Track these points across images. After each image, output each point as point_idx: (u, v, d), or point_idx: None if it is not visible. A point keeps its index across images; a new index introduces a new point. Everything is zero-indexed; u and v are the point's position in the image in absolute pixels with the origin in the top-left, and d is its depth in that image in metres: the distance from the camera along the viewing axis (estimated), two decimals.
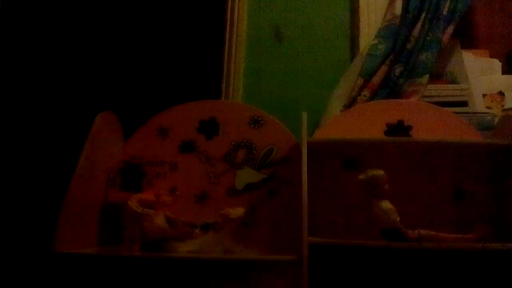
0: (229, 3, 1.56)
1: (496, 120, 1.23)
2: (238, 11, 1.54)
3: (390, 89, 1.31)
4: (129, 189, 1.13)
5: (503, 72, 1.48)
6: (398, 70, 1.31)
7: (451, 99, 1.32)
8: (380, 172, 1.00)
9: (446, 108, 1.23)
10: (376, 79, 1.30)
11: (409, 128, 1.20)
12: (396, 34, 1.33)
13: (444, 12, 1.33)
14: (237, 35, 1.52)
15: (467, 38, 1.52)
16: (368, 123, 1.20)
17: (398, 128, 1.20)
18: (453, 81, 1.39)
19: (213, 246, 0.99)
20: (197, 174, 1.21)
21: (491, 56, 1.50)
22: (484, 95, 1.40)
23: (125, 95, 1.65)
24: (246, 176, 1.20)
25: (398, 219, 0.97)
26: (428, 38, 1.31)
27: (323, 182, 1.15)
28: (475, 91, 1.37)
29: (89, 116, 1.10)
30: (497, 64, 1.49)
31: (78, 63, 1.75)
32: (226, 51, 1.51)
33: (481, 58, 1.48)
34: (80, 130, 1.09)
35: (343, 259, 1.09)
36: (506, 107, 1.39)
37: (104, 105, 1.16)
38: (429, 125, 1.18)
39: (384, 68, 1.31)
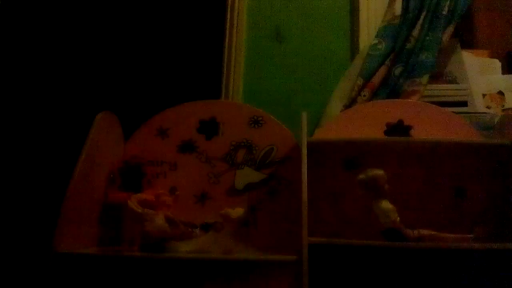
0: (229, 3, 1.56)
1: (496, 120, 1.23)
2: (238, 11, 1.54)
3: (390, 89, 1.31)
4: (129, 189, 1.13)
5: (503, 72, 1.48)
6: (398, 70, 1.31)
7: (451, 99, 1.32)
8: (380, 172, 1.00)
9: (446, 108, 1.23)
10: (376, 79, 1.30)
11: (409, 128, 1.20)
12: (396, 34, 1.33)
13: (444, 12, 1.33)
14: (237, 35, 1.52)
15: (467, 38, 1.51)
16: (368, 123, 1.20)
17: (398, 128, 1.20)
18: (453, 81, 1.39)
19: (213, 246, 0.99)
20: (197, 174, 1.21)
21: (491, 56, 1.50)
22: (484, 95, 1.40)
23: (125, 95, 1.65)
24: (246, 176, 1.20)
25: (398, 219, 0.97)
26: (428, 38, 1.31)
27: (323, 182, 1.16)
28: (475, 91, 1.37)
29: (89, 116, 1.10)
30: (497, 64, 1.49)
31: (78, 63, 1.75)
32: (226, 51, 1.51)
33: (481, 58, 1.48)
34: (80, 130, 1.09)
35: (343, 259, 1.09)
36: (506, 107, 1.39)
37: (104, 105, 1.16)
38: (429, 125, 1.18)
39: (384, 68, 1.31)
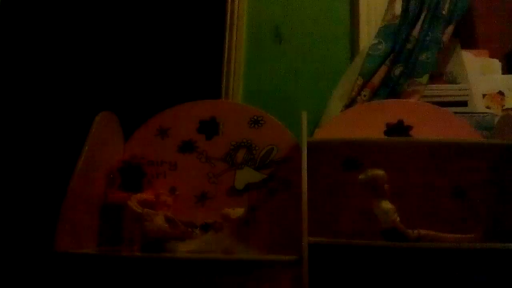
0: (229, 3, 1.56)
1: (496, 120, 1.23)
2: (238, 11, 1.55)
3: (390, 89, 1.31)
4: (129, 189, 1.13)
5: (503, 72, 1.47)
6: (398, 70, 1.31)
7: (451, 99, 1.32)
8: (380, 172, 1.00)
9: (446, 108, 1.23)
10: (376, 79, 1.30)
11: (409, 128, 1.20)
12: (396, 34, 1.33)
13: (444, 12, 1.33)
14: (237, 35, 1.52)
15: (467, 38, 1.51)
16: (368, 123, 1.20)
17: (398, 128, 1.20)
18: (453, 81, 1.39)
19: (213, 246, 0.99)
20: (197, 174, 1.21)
21: (491, 56, 1.50)
22: (484, 95, 1.40)
23: (125, 95, 1.65)
24: (246, 176, 1.20)
25: (398, 219, 0.97)
26: (428, 38, 1.31)
27: (323, 182, 1.15)
28: (475, 91, 1.37)
29: (89, 116, 1.10)
30: (497, 64, 1.49)
31: (78, 63, 1.75)
32: (226, 51, 1.52)
33: (481, 58, 1.48)
34: (80, 130, 1.09)
35: (343, 259, 1.09)
36: (506, 107, 1.39)
37: (104, 105, 1.16)
38: (429, 125, 1.18)
39: (384, 68, 1.31)
